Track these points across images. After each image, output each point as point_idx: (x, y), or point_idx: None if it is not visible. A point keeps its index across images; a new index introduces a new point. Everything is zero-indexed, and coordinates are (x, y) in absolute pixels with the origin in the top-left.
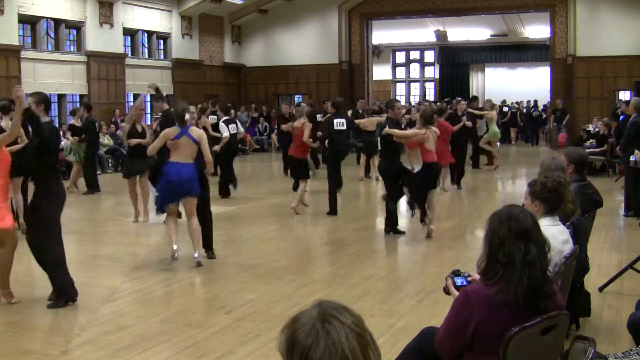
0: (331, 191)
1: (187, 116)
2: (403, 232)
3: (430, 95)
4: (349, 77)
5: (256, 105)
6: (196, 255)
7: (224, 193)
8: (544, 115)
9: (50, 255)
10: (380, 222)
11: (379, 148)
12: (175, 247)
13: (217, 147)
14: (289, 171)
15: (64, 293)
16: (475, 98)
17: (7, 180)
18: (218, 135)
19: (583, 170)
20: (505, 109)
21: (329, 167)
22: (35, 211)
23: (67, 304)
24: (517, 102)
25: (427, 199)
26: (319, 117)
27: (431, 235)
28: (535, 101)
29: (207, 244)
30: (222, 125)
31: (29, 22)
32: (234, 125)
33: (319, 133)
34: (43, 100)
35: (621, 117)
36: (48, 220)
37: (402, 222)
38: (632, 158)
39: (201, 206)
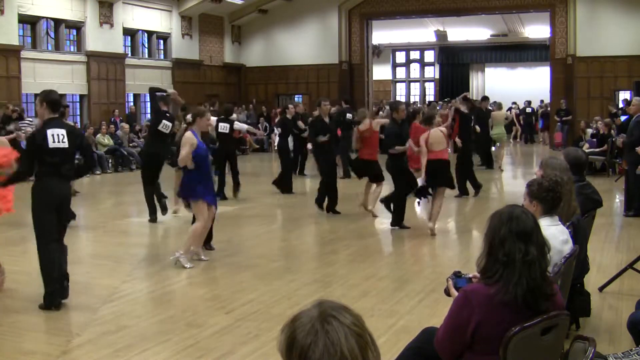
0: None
1: None
2: (408, 227)
3: (430, 95)
4: (349, 77)
5: (255, 105)
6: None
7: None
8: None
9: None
10: (380, 223)
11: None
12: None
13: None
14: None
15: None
16: (486, 98)
17: None
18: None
19: (581, 171)
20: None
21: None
22: None
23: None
24: (513, 103)
25: (436, 197)
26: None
27: (434, 232)
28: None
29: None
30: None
31: (29, 22)
32: (226, 125)
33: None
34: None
35: (622, 118)
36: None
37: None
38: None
39: None
